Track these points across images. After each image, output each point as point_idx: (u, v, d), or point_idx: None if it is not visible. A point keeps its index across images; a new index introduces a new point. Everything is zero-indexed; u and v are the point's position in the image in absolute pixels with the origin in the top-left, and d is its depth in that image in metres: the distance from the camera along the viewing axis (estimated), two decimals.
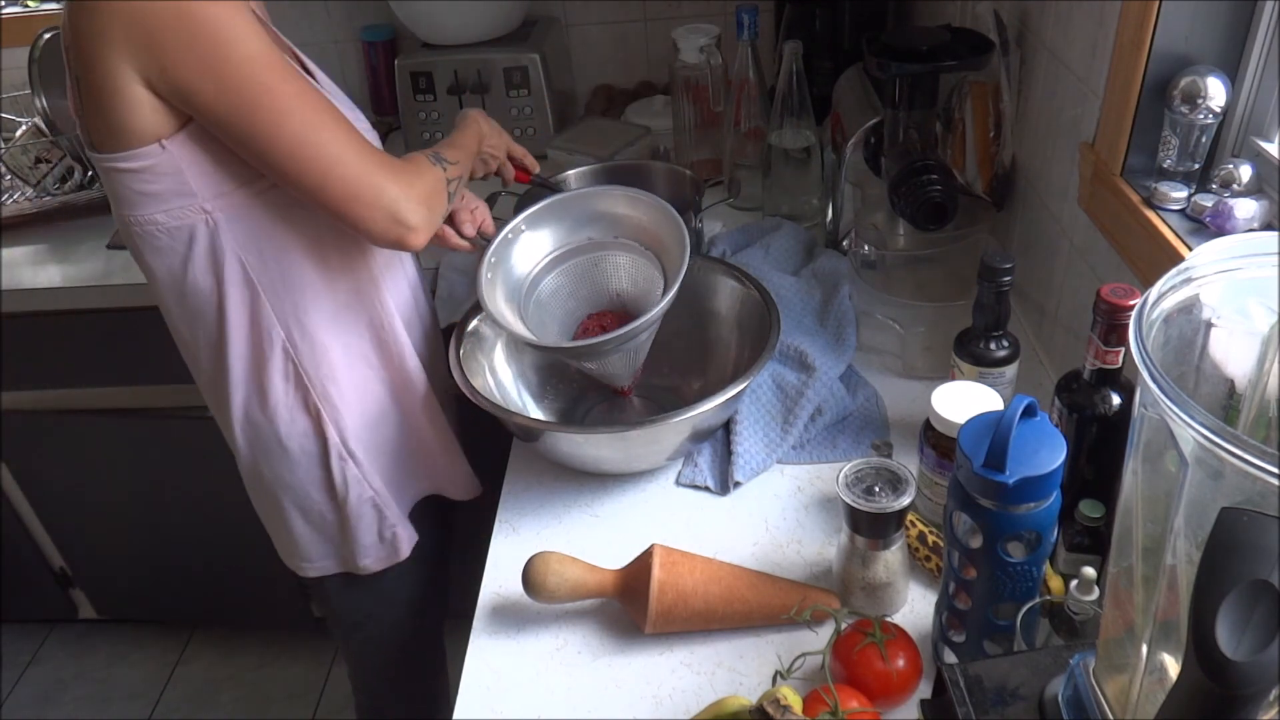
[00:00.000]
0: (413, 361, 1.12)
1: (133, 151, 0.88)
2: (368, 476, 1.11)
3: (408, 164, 0.95)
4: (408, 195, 0.92)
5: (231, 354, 1.01)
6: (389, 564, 1.18)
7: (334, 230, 0.99)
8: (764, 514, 1.01)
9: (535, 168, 1.26)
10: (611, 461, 1.07)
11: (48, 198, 1.71)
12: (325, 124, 0.88)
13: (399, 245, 0.94)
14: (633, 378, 1.13)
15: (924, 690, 0.79)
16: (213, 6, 0.82)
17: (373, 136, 1.05)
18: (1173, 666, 0.50)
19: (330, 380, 1.05)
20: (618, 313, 1.14)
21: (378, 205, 0.90)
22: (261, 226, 0.96)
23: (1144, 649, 0.52)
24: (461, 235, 1.10)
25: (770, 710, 0.72)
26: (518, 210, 1.12)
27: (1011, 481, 0.66)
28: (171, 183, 0.90)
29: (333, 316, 1.03)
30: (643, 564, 0.88)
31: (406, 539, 1.18)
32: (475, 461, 1.24)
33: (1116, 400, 0.82)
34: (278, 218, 0.96)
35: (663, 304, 1.00)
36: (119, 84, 0.83)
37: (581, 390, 1.20)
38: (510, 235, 1.09)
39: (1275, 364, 0.51)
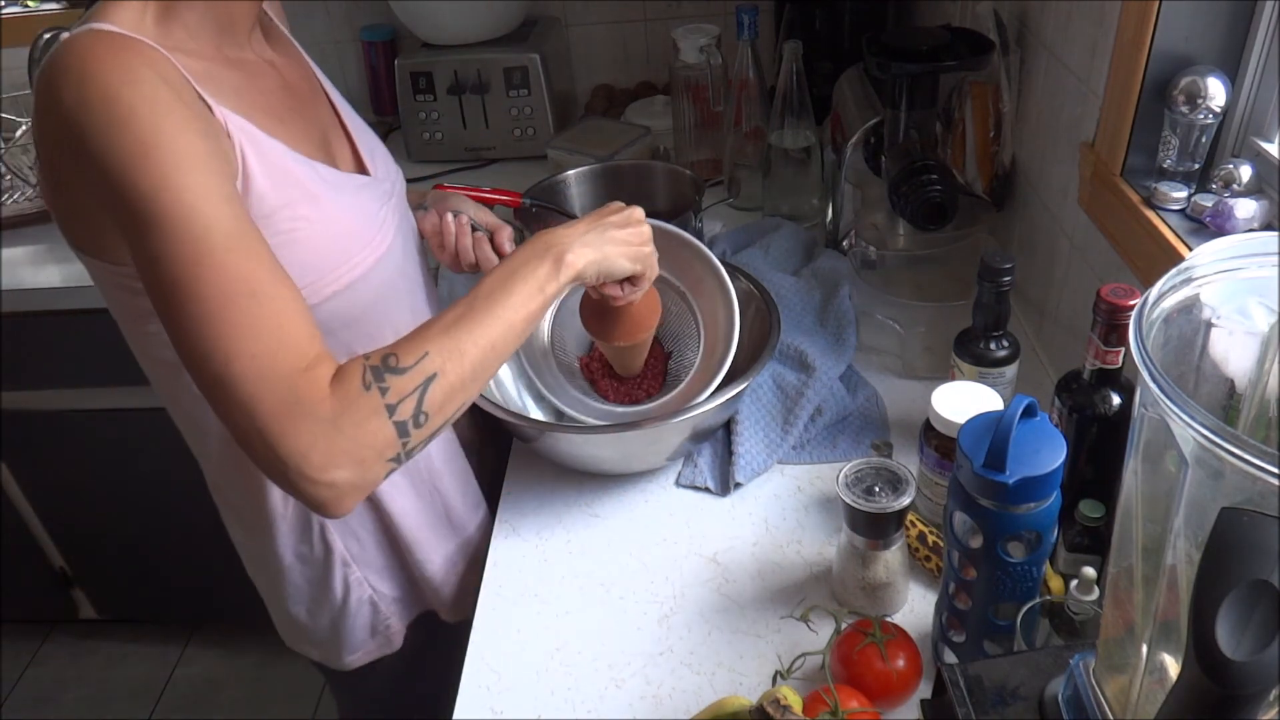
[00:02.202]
0: (449, 476, 1.03)
1: (114, 266, 0.77)
2: (369, 578, 1.03)
3: (323, 404, 0.68)
4: (305, 460, 0.67)
5: (230, 468, 0.93)
6: (379, 656, 1.09)
7: (351, 345, 0.86)
8: (764, 514, 1.01)
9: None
10: (611, 461, 1.07)
11: None
12: (226, 341, 0.67)
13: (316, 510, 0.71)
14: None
15: (924, 690, 0.79)
16: (139, 176, 0.66)
17: (394, 174, 0.97)
18: (1173, 666, 0.50)
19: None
20: None
21: (271, 468, 0.69)
22: None
23: (1144, 649, 0.52)
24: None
25: (770, 710, 0.72)
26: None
27: (1011, 481, 0.66)
28: None
29: None
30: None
31: (399, 631, 1.08)
32: (473, 462, 1.21)
33: (1116, 400, 0.82)
34: None
35: (718, 379, 1.01)
36: (85, 204, 0.72)
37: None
38: None
39: (1275, 364, 0.51)
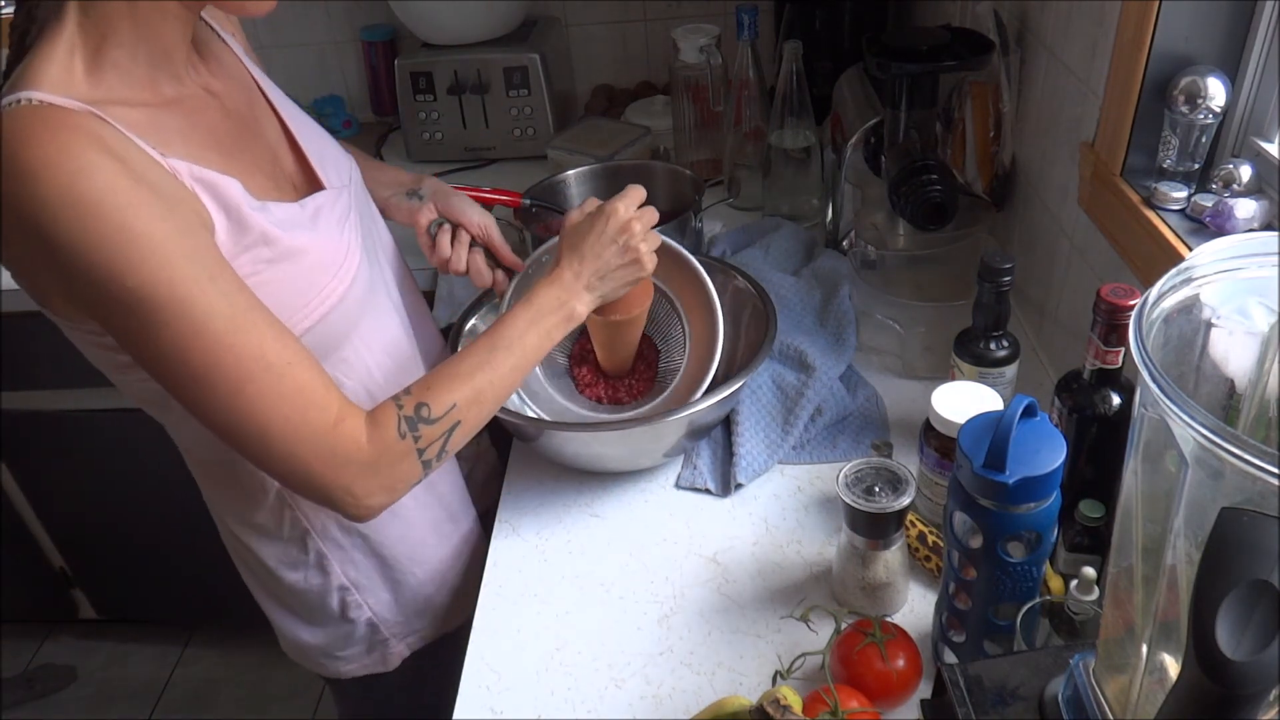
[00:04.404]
0: (450, 485, 1.05)
1: (78, 324, 0.75)
2: (368, 601, 1.02)
3: (362, 452, 0.77)
4: (348, 493, 0.77)
5: (220, 494, 0.95)
6: (371, 672, 1.09)
7: (337, 377, 0.87)
8: (764, 514, 1.01)
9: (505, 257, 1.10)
10: (610, 459, 1.07)
11: None
12: (258, 413, 0.72)
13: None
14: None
15: (924, 690, 0.79)
16: (125, 275, 0.66)
17: (345, 172, 0.94)
18: (1173, 666, 0.50)
19: (334, 522, 0.96)
20: None
21: (313, 497, 0.79)
22: None
23: (1144, 649, 0.52)
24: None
25: (770, 710, 0.72)
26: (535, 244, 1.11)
27: (1011, 481, 0.66)
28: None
29: None
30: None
31: (399, 653, 1.08)
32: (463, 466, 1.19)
33: (1116, 400, 0.82)
34: None
35: (704, 385, 1.01)
36: (42, 285, 0.72)
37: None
38: (531, 270, 1.07)
39: (1275, 364, 0.51)
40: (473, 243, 1.07)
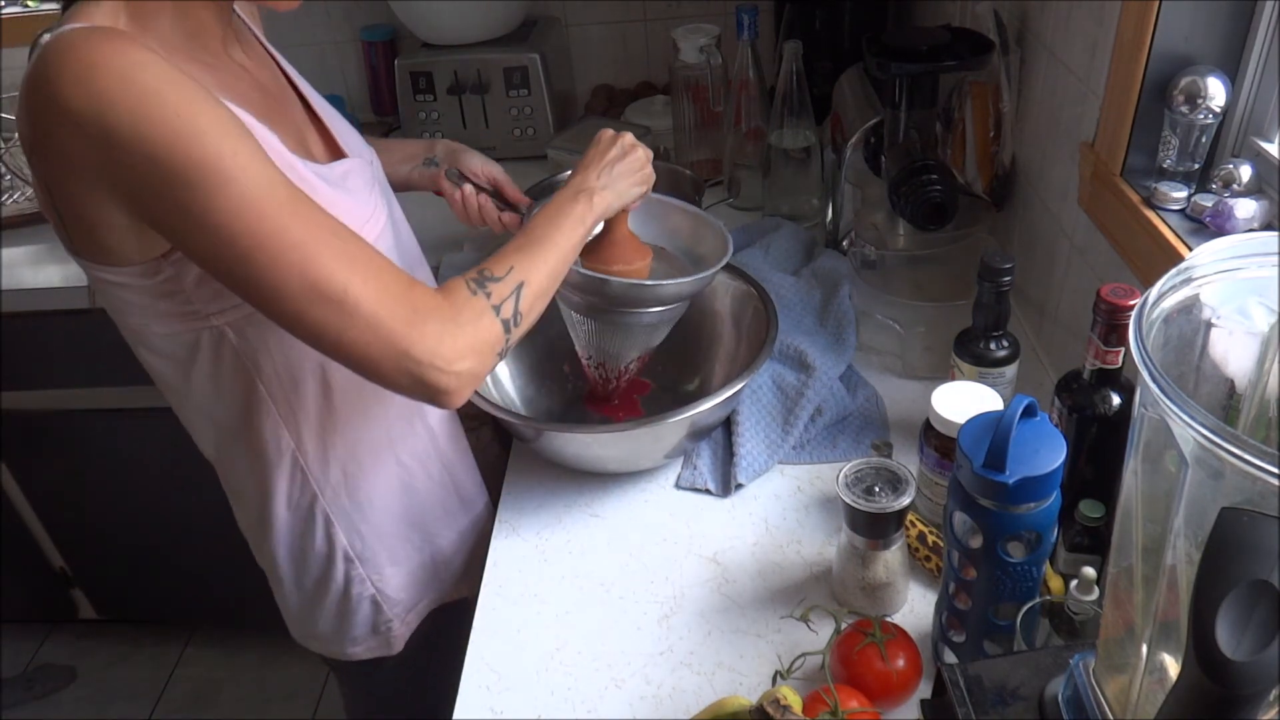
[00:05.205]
0: (465, 467, 1.09)
1: (120, 269, 0.77)
2: (371, 576, 1.03)
3: (442, 307, 0.77)
4: (436, 354, 0.75)
5: (233, 456, 0.96)
6: (378, 655, 1.10)
7: None
8: (764, 514, 1.01)
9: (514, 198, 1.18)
10: (610, 460, 1.07)
11: None
12: (336, 271, 0.73)
13: (434, 405, 0.80)
14: (625, 374, 1.12)
15: (924, 690, 0.79)
16: (190, 147, 0.67)
17: (367, 154, 0.97)
18: (1173, 666, 0.50)
19: (344, 489, 0.97)
20: None
21: (400, 370, 0.76)
22: (271, 337, 0.86)
23: (1144, 649, 0.52)
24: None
25: (770, 710, 0.72)
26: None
27: (1011, 481, 0.66)
28: (169, 304, 0.80)
29: (352, 425, 0.94)
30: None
31: (401, 635, 1.09)
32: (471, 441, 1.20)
33: (1116, 400, 0.82)
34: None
35: (708, 274, 1.02)
36: (95, 209, 0.72)
37: (577, 391, 1.20)
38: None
39: (1275, 364, 0.51)
40: (480, 189, 1.14)
